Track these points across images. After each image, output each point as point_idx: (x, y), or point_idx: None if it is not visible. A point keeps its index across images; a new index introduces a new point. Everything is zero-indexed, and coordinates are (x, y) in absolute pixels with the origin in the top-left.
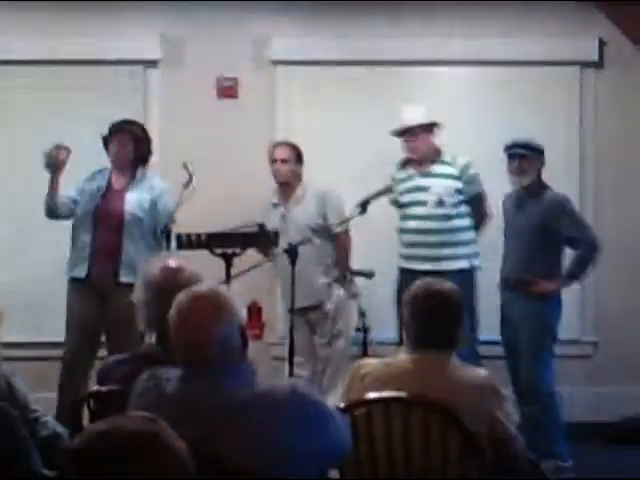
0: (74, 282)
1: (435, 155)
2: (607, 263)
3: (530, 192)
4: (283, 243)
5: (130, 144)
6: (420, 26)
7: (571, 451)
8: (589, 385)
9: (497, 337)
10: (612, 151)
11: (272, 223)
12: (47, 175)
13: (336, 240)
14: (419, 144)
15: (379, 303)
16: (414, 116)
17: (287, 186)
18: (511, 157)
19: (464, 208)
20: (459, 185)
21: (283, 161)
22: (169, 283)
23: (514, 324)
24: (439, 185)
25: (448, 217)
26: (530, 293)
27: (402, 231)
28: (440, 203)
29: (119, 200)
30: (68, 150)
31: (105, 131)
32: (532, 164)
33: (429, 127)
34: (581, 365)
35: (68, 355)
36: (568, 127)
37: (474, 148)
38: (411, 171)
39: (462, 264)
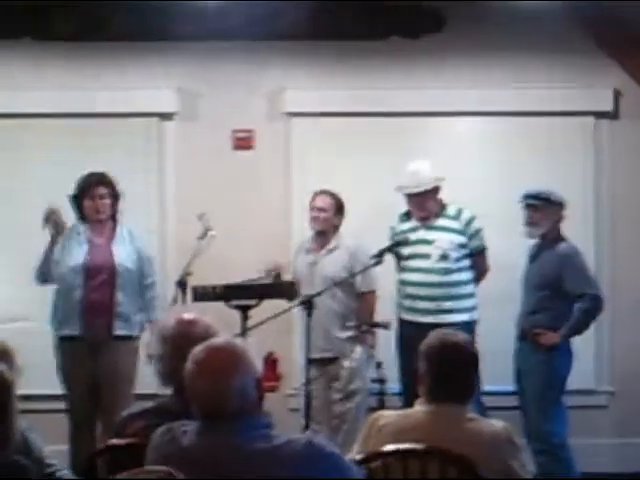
0: (65, 340)
1: (439, 208)
2: (624, 312)
3: (545, 243)
4: (308, 291)
5: (108, 196)
6: (433, 78)
7: None
8: (606, 436)
9: (504, 387)
10: (628, 201)
11: (299, 268)
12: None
13: (362, 298)
14: (427, 205)
15: (394, 354)
16: (420, 180)
17: (323, 235)
18: (525, 208)
19: (465, 262)
20: (462, 240)
21: (320, 209)
22: (185, 336)
23: (522, 375)
24: (443, 239)
25: (450, 271)
26: (537, 344)
27: (403, 283)
28: (444, 257)
29: (107, 254)
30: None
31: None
32: (544, 215)
33: (436, 186)
34: (598, 415)
35: (72, 413)
36: (583, 177)
37: (488, 199)
38: (414, 223)
39: (463, 317)
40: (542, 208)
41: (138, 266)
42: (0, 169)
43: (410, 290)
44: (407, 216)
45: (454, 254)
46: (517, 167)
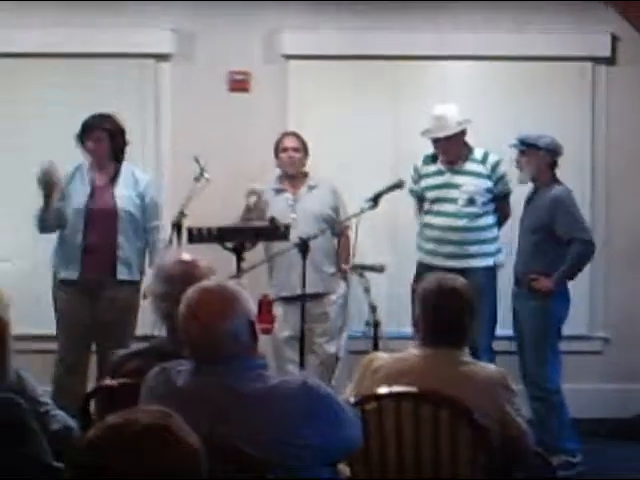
0: (64, 283)
1: (465, 152)
2: (617, 259)
3: (538, 188)
4: (291, 232)
5: (106, 139)
6: (431, 20)
7: (580, 447)
8: (599, 381)
9: (510, 332)
10: (624, 147)
11: (277, 209)
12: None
13: (341, 234)
14: (453, 148)
15: (389, 298)
16: (450, 123)
17: (294, 176)
18: (517, 152)
19: (491, 206)
20: (489, 184)
21: (295, 149)
22: (185, 276)
23: (519, 320)
24: (471, 183)
25: (477, 215)
26: (531, 289)
27: (427, 226)
28: (471, 201)
29: (109, 197)
30: (56, 169)
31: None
32: (530, 159)
33: (462, 130)
34: (591, 361)
35: (64, 355)
36: (580, 123)
37: (483, 143)
38: (440, 166)
39: (488, 262)
40: (528, 153)
41: (141, 210)
42: None
43: (435, 234)
44: (433, 158)
45: (481, 198)
46: (514, 112)
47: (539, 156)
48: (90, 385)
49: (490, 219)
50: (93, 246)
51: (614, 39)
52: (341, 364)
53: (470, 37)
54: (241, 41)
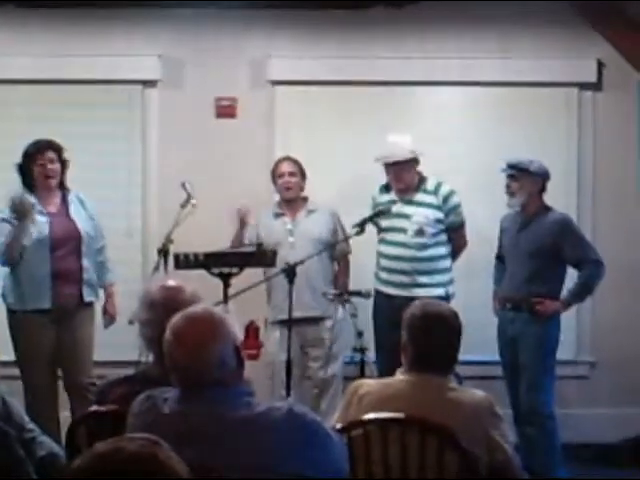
0: (32, 314)
1: (418, 182)
2: (604, 283)
3: (532, 213)
4: (289, 256)
5: (57, 162)
6: (416, 47)
7: (568, 473)
8: (585, 406)
9: (488, 357)
10: (610, 172)
11: (276, 233)
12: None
13: (341, 261)
14: (404, 176)
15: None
16: (399, 150)
17: (293, 200)
18: (506, 177)
19: (442, 236)
20: (439, 215)
21: (291, 174)
22: (170, 302)
23: (515, 345)
24: (420, 214)
25: (426, 246)
26: (533, 313)
27: (380, 255)
28: (420, 232)
29: (68, 223)
30: (28, 199)
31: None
32: (523, 185)
33: (415, 159)
34: (578, 386)
35: (32, 383)
36: (566, 148)
37: (469, 168)
38: (393, 196)
39: (438, 291)
40: (520, 178)
41: (94, 231)
42: None
43: (386, 263)
44: (387, 188)
45: (430, 229)
46: (500, 137)
47: (531, 181)
48: (63, 411)
49: (441, 250)
50: (61, 272)
51: (600, 65)
52: (332, 390)
53: (457, 63)
54: (228, 67)
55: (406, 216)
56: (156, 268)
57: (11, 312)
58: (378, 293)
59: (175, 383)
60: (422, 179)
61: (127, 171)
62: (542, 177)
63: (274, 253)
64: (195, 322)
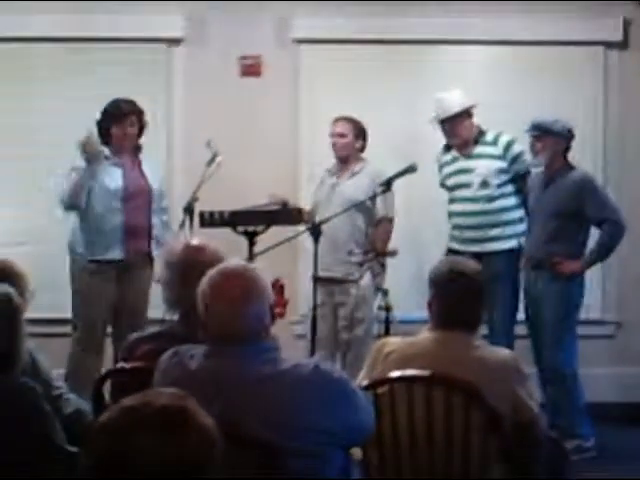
0: (99, 265)
1: (477, 136)
2: (630, 243)
3: (554, 172)
4: (326, 213)
5: (136, 124)
6: (440, 5)
7: (593, 431)
8: (612, 365)
9: (519, 316)
10: (636, 131)
11: (320, 191)
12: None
13: (378, 225)
14: (458, 131)
15: (401, 282)
16: (446, 106)
17: (345, 160)
18: (530, 137)
19: (509, 187)
20: (502, 165)
21: (341, 135)
22: (192, 262)
23: (537, 304)
24: (482, 166)
25: (493, 198)
26: (554, 272)
27: (450, 214)
28: (484, 184)
29: (141, 178)
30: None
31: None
32: (546, 145)
33: (467, 111)
34: (604, 345)
35: (84, 335)
36: (592, 108)
37: (496, 128)
38: (454, 154)
39: (510, 244)
40: (544, 138)
41: (161, 189)
42: (7, 93)
43: (456, 220)
44: (448, 147)
45: (495, 180)
46: (526, 97)
47: (554, 141)
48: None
49: (509, 201)
50: (132, 226)
51: (626, 23)
52: (354, 352)
53: (481, 22)
54: (252, 26)
55: (469, 170)
56: (181, 226)
57: (77, 262)
58: (450, 251)
59: (206, 337)
60: (481, 132)
61: (152, 129)
62: (565, 137)
63: (299, 211)
64: (235, 277)
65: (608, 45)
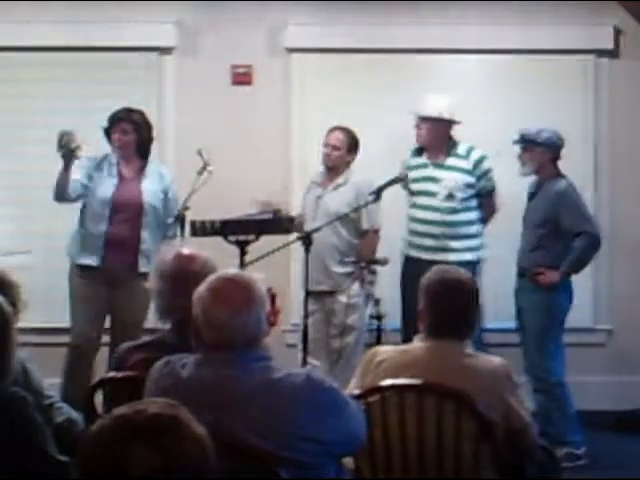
0: (82, 269)
1: (449, 146)
2: (622, 250)
3: (542, 182)
4: (311, 225)
5: (132, 132)
6: (434, 14)
7: (584, 439)
8: (603, 373)
9: (512, 324)
10: (627, 139)
11: (307, 201)
12: (59, 158)
13: (364, 236)
14: (427, 132)
15: (393, 291)
16: (429, 107)
17: (333, 170)
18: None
19: (473, 202)
20: (470, 180)
21: (334, 147)
22: (182, 272)
23: (523, 313)
24: (450, 178)
25: (455, 210)
26: (536, 282)
27: (410, 219)
28: (450, 197)
29: (136, 190)
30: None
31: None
32: (531, 155)
33: (441, 120)
34: (595, 353)
35: (76, 342)
36: (583, 116)
37: (488, 136)
38: (424, 160)
39: (468, 256)
40: (529, 148)
41: (163, 204)
42: (0, 102)
43: (417, 227)
44: (419, 152)
45: (460, 194)
46: (517, 105)
47: (540, 151)
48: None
49: (471, 215)
50: (116, 236)
51: (617, 32)
52: (345, 360)
53: (474, 30)
54: (244, 35)
55: (436, 180)
56: (173, 235)
57: (70, 264)
58: (408, 259)
59: (199, 345)
60: (454, 143)
61: None
62: (550, 147)
63: (291, 220)
64: (234, 283)
65: (599, 53)
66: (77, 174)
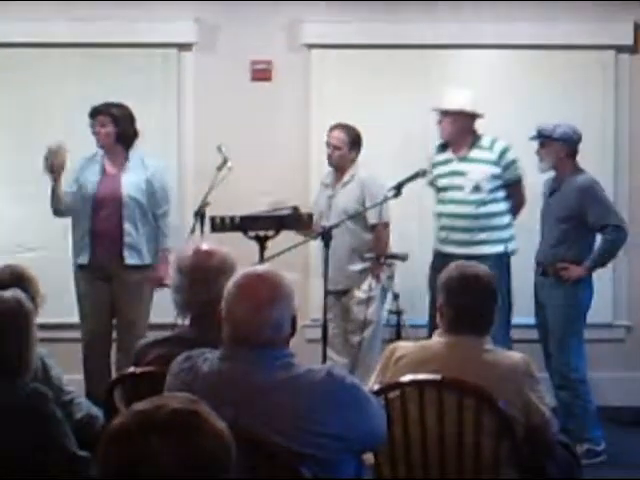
0: (80, 269)
1: (473, 140)
2: None
3: (562, 177)
4: (326, 225)
5: (110, 125)
6: (450, 10)
7: (604, 435)
8: (622, 369)
9: (531, 320)
10: None
11: (320, 204)
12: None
13: (374, 231)
14: (448, 126)
15: (412, 286)
16: (450, 100)
17: (339, 170)
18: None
19: (500, 193)
20: (496, 171)
21: (336, 147)
22: (201, 267)
23: (544, 309)
24: (476, 171)
25: (484, 202)
26: (560, 278)
27: (438, 215)
28: (477, 189)
29: (115, 184)
30: (64, 150)
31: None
32: (548, 151)
33: (463, 114)
34: (614, 349)
35: (87, 340)
36: (602, 111)
37: (507, 132)
38: (449, 155)
39: (498, 248)
40: (546, 144)
41: (148, 196)
42: (18, 99)
43: (445, 221)
44: (443, 147)
45: (487, 185)
46: (536, 101)
47: (556, 147)
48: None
49: (500, 206)
50: (101, 232)
51: (637, 27)
52: (363, 354)
53: (491, 26)
54: (263, 30)
55: (462, 173)
56: (192, 231)
57: (72, 263)
58: (438, 254)
59: (223, 338)
60: (477, 137)
61: (163, 134)
62: (567, 142)
63: (310, 216)
64: (262, 279)
65: (619, 49)
66: (70, 186)
